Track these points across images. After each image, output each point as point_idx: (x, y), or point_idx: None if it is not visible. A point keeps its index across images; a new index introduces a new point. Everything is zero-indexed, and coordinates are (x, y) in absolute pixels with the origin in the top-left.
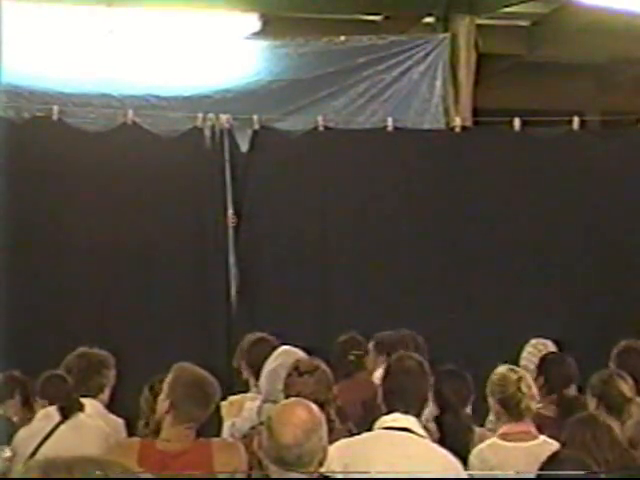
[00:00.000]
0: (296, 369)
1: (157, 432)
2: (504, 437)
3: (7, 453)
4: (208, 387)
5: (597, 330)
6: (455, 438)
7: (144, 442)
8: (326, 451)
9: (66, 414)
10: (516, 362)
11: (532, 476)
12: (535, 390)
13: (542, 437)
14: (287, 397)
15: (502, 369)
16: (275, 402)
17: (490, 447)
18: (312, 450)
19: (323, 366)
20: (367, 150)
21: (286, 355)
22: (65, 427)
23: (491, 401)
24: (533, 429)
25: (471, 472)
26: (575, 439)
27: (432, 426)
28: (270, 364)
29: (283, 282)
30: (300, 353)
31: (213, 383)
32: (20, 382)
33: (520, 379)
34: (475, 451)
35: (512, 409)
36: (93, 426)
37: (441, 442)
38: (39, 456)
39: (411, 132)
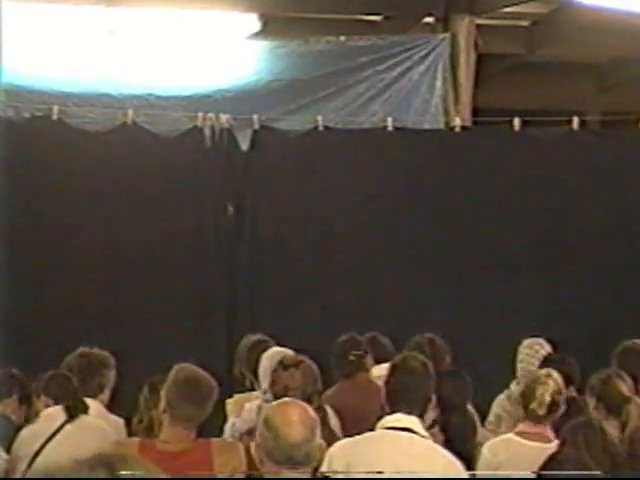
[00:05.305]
0: (281, 363)
1: (151, 429)
2: (520, 434)
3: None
4: (203, 387)
5: (597, 330)
6: (461, 438)
7: (143, 442)
8: (323, 449)
9: (72, 414)
10: (514, 362)
11: (532, 476)
12: (563, 397)
13: (555, 442)
14: (274, 392)
15: (544, 370)
16: None
17: (504, 442)
18: (316, 447)
19: (308, 360)
20: (367, 150)
21: (278, 354)
22: (71, 427)
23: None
24: (550, 433)
25: (473, 472)
26: (566, 441)
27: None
28: (267, 364)
29: (283, 282)
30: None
31: (209, 383)
32: (18, 380)
33: (550, 383)
34: (489, 443)
35: (533, 409)
36: (98, 427)
37: (447, 442)
38: (43, 456)
39: (411, 132)
